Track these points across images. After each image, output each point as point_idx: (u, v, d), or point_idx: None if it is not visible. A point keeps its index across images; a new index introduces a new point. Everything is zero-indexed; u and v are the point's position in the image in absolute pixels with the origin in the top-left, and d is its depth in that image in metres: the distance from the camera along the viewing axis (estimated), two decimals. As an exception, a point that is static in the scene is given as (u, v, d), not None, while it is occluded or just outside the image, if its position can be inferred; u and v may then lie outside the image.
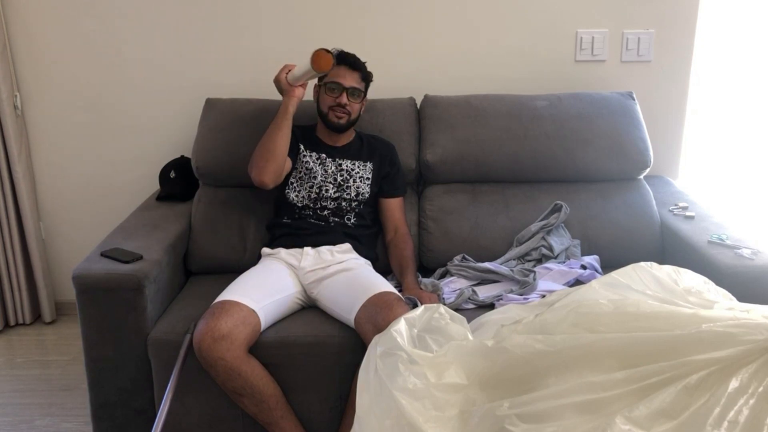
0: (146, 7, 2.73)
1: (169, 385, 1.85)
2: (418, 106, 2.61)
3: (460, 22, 2.74)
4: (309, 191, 2.28)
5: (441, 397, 1.51)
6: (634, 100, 2.58)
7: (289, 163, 2.27)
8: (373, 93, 2.49)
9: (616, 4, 2.71)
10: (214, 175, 2.49)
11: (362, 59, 2.31)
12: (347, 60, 2.26)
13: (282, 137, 2.17)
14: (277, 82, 2.19)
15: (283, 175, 2.25)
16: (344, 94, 2.24)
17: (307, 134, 2.36)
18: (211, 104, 2.59)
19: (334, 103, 2.25)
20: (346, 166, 2.31)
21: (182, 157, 2.74)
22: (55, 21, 2.76)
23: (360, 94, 2.28)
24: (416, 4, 2.72)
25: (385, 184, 2.36)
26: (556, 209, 2.43)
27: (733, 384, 1.35)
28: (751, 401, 1.33)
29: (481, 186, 2.53)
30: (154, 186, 2.76)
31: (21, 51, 2.80)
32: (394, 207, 2.37)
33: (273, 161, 2.16)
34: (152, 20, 2.74)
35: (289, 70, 2.17)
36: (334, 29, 2.73)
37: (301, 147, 2.32)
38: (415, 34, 2.75)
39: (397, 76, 2.75)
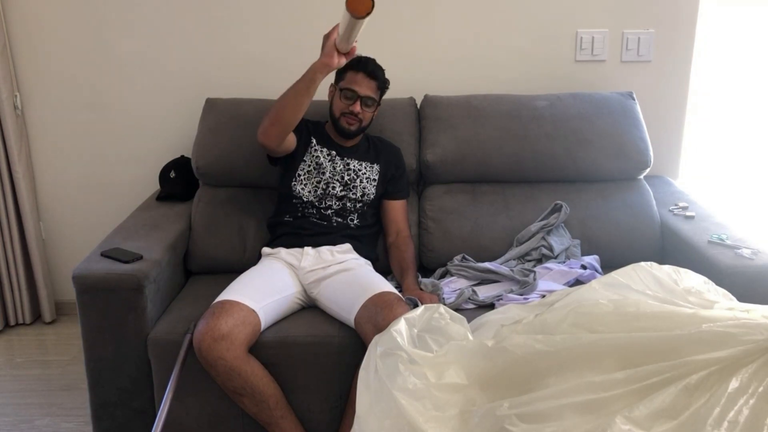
0: (146, 7, 2.73)
1: (169, 385, 1.84)
2: (418, 106, 2.61)
3: (460, 22, 2.74)
4: (316, 186, 2.27)
5: (441, 397, 1.51)
6: (634, 100, 2.59)
7: (293, 140, 2.23)
8: (373, 93, 2.49)
9: (616, 4, 2.71)
10: (214, 175, 2.49)
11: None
12: (366, 67, 2.22)
13: (297, 105, 2.04)
14: (326, 39, 1.98)
15: (287, 145, 2.19)
16: (358, 103, 2.22)
17: (319, 130, 2.35)
18: (211, 104, 2.59)
19: (347, 110, 2.22)
20: (354, 166, 2.31)
21: (182, 157, 2.74)
22: (55, 21, 2.76)
23: (374, 103, 2.26)
24: (416, 4, 2.72)
25: (390, 186, 2.36)
26: (556, 209, 2.43)
27: (733, 384, 1.35)
28: (751, 401, 1.33)
29: (481, 186, 2.53)
30: (154, 186, 2.76)
31: (21, 51, 2.80)
32: (397, 209, 2.37)
33: (279, 125, 2.08)
34: (152, 20, 2.74)
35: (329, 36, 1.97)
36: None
37: (314, 141, 2.31)
38: (415, 34, 2.75)
39: (397, 76, 2.73)
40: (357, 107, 2.22)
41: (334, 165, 2.29)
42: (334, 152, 2.31)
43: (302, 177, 2.28)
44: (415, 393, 1.50)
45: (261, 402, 1.91)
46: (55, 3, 2.73)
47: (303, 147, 2.29)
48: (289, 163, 2.29)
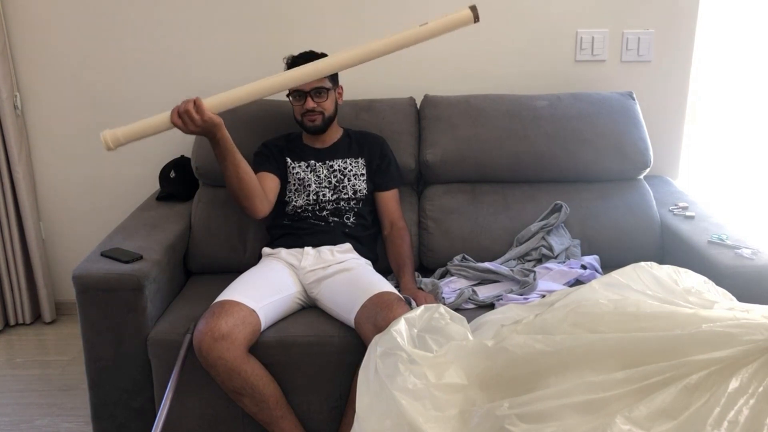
0: (146, 7, 2.73)
1: (169, 385, 1.85)
2: (418, 106, 2.61)
3: (460, 22, 2.73)
4: (307, 199, 2.27)
5: (441, 397, 1.51)
6: (634, 100, 2.59)
7: (275, 181, 2.25)
8: (373, 93, 2.49)
9: (616, 4, 2.71)
10: (214, 175, 2.49)
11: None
12: (297, 63, 2.12)
13: (244, 172, 2.05)
14: (207, 123, 1.88)
15: (274, 195, 2.23)
16: (308, 99, 2.20)
17: (293, 143, 2.34)
18: (211, 104, 2.59)
19: (303, 110, 2.22)
20: (338, 165, 2.30)
21: (182, 157, 2.74)
22: (55, 21, 2.76)
23: (325, 91, 2.22)
24: (416, 4, 2.72)
25: (377, 177, 2.35)
26: (556, 209, 2.43)
27: (733, 384, 1.35)
28: (751, 401, 1.33)
29: (481, 186, 2.53)
30: (154, 186, 2.76)
31: (21, 51, 2.80)
32: (388, 200, 2.35)
33: (253, 197, 2.10)
34: (152, 20, 2.74)
35: (194, 103, 1.87)
36: (334, 29, 2.73)
37: (288, 160, 2.30)
38: (415, 34, 2.74)
39: (397, 76, 2.74)
40: (309, 103, 2.19)
41: (317, 174, 2.28)
42: (312, 161, 2.30)
43: (292, 195, 2.29)
44: (415, 393, 1.50)
45: (261, 402, 1.91)
46: (55, 3, 2.73)
47: (282, 171, 2.29)
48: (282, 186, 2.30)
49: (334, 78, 2.25)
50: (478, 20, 1.83)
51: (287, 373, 1.98)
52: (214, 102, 1.91)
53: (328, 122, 2.27)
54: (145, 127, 1.89)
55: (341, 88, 2.31)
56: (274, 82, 1.91)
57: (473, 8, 1.79)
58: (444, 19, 1.86)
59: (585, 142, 2.47)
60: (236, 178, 2.06)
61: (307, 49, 2.27)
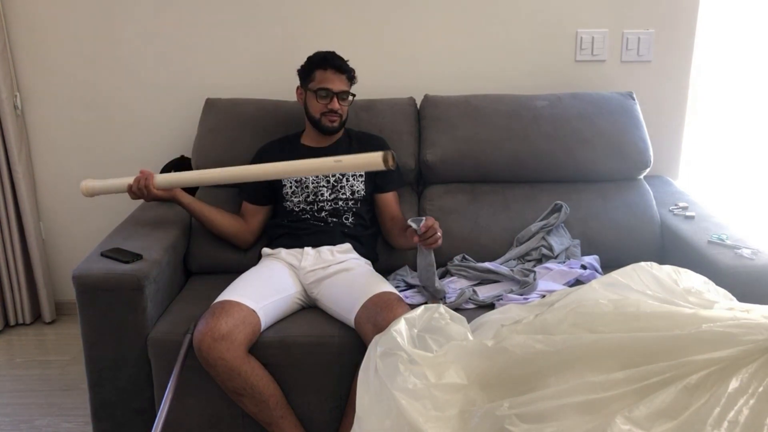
0: (146, 7, 2.73)
1: (169, 385, 1.85)
2: (418, 106, 2.61)
3: (460, 22, 2.74)
4: (305, 198, 2.28)
5: (441, 397, 1.51)
6: (634, 100, 2.59)
7: (256, 209, 2.33)
8: (373, 93, 2.49)
9: (616, 4, 2.71)
10: (214, 175, 2.49)
11: (359, 59, 2.29)
12: (334, 63, 2.23)
13: (211, 224, 2.30)
14: (155, 199, 2.20)
15: (258, 221, 2.34)
16: (335, 100, 2.22)
17: (290, 146, 2.34)
18: (211, 104, 2.59)
19: (326, 110, 2.23)
20: None
21: (182, 157, 2.74)
22: (54, 21, 2.76)
23: (348, 96, 2.27)
24: (416, 4, 2.72)
25: (378, 179, 2.34)
26: (556, 209, 2.43)
27: (733, 384, 1.35)
28: (751, 401, 1.33)
29: (481, 186, 2.53)
30: (154, 186, 2.75)
31: (21, 51, 2.80)
32: (389, 201, 2.35)
33: (228, 238, 2.33)
34: (152, 20, 2.74)
35: (146, 180, 2.17)
36: (334, 29, 2.73)
37: None
38: (415, 34, 2.75)
39: (397, 76, 2.75)
40: (335, 104, 2.23)
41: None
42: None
43: (289, 195, 2.29)
44: (415, 393, 1.50)
45: (261, 402, 1.91)
46: (55, 3, 2.73)
47: (271, 185, 2.30)
48: (275, 195, 2.32)
49: (351, 86, 2.29)
50: (389, 168, 1.98)
51: (287, 373, 1.98)
52: (164, 180, 2.20)
53: (342, 126, 2.30)
54: (114, 186, 2.25)
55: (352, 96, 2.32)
56: (215, 174, 2.21)
57: (385, 156, 1.96)
58: (356, 158, 2.05)
59: (585, 142, 2.47)
60: (208, 227, 2.32)
61: (305, 46, 2.27)
